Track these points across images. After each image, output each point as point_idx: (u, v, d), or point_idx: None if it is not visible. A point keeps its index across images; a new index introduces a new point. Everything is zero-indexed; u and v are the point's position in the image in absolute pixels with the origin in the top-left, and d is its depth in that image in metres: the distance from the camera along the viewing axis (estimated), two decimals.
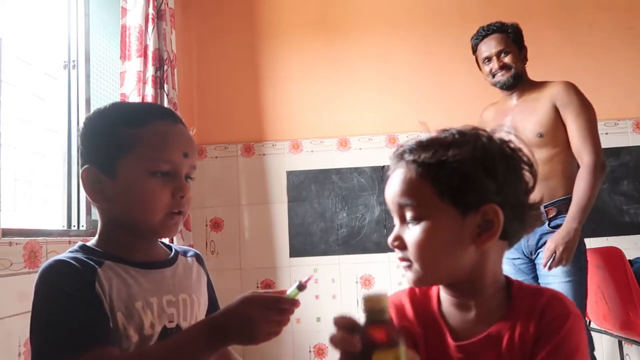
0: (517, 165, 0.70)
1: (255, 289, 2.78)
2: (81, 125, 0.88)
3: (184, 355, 0.73)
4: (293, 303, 0.75)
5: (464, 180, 0.66)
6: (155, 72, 2.20)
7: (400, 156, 0.71)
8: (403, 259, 0.71)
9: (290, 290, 0.77)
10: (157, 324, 0.81)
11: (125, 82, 2.13)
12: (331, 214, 2.80)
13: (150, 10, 2.21)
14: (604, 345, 2.58)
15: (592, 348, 1.85)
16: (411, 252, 0.68)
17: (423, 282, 0.71)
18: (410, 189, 0.68)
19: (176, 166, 0.83)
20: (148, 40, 2.19)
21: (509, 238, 0.71)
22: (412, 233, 0.68)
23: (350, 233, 2.79)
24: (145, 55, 2.17)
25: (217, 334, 0.73)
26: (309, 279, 0.78)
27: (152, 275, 0.84)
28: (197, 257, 0.98)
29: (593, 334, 2.34)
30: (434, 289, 0.78)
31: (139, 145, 0.81)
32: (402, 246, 0.70)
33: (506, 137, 0.72)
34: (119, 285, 0.79)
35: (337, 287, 2.76)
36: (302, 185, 2.84)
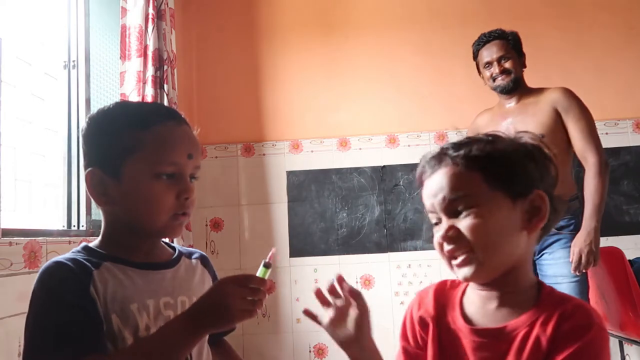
0: (547, 160, 0.75)
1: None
2: (84, 124, 0.87)
3: (167, 345, 0.74)
4: (262, 281, 0.77)
5: (514, 169, 0.70)
6: (155, 72, 2.20)
7: (440, 157, 0.73)
8: (458, 253, 0.70)
9: (258, 271, 0.80)
10: (153, 326, 0.80)
11: (125, 82, 2.13)
12: (331, 214, 2.80)
13: (150, 10, 2.21)
14: None
15: None
16: (471, 239, 0.69)
17: (482, 272, 0.70)
18: (461, 182, 0.70)
19: (181, 168, 0.83)
20: (148, 40, 2.19)
21: (545, 228, 0.74)
22: (468, 221, 0.69)
23: (350, 233, 2.78)
24: (145, 55, 2.17)
25: (195, 320, 0.74)
26: (272, 255, 0.81)
27: (151, 276, 0.84)
28: (202, 259, 0.97)
29: None
30: (463, 284, 0.79)
31: (144, 148, 0.81)
32: (456, 236, 0.70)
33: (528, 136, 0.76)
34: (115, 286, 0.79)
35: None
36: (302, 185, 2.84)
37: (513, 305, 0.72)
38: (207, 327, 0.75)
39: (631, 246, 2.59)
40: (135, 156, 0.81)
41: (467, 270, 0.70)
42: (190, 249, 0.99)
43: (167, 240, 0.99)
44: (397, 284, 2.72)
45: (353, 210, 2.80)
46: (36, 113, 1.89)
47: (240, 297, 0.74)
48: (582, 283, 1.86)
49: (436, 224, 0.73)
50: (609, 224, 2.64)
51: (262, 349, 2.73)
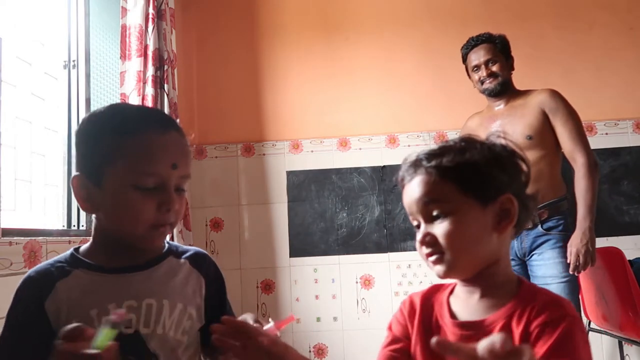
0: (517, 162, 0.80)
1: (255, 289, 2.78)
2: (78, 126, 0.87)
3: None
4: (92, 357, 0.63)
5: (483, 176, 0.76)
6: (155, 72, 2.20)
7: (416, 165, 0.79)
8: (431, 254, 0.77)
9: (101, 336, 0.64)
10: None
11: (125, 82, 2.13)
12: (331, 214, 2.80)
13: (150, 10, 2.21)
14: (604, 345, 2.58)
15: None
16: (443, 244, 0.75)
17: (452, 270, 0.76)
18: (436, 189, 0.76)
19: (163, 179, 0.80)
20: (148, 40, 2.19)
21: (518, 226, 0.79)
22: (442, 226, 0.76)
23: (350, 233, 2.79)
24: (145, 55, 2.17)
25: None
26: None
27: (121, 280, 0.82)
28: (193, 259, 0.92)
29: (593, 334, 2.35)
30: (452, 284, 0.84)
31: (125, 156, 0.78)
32: (432, 242, 0.76)
33: (499, 140, 0.81)
34: (78, 295, 0.79)
35: (337, 287, 2.76)
36: (302, 185, 2.84)
37: (493, 299, 0.77)
38: None
39: (631, 246, 2.60)
40: (117, 164, 0.79)
41: (439, 268, 0.77)
42: (188, 247, 0.96)
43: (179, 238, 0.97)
44: (397, 284, 2.72)
45: (353, 210, 2.80)
46: (36, 113, 1.89)
47: None
48: (572, 283, 1.87)
49: (417, 226, 0.79)
50: (609, 224, 2.65)
51: None
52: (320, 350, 2.70)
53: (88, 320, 0.77)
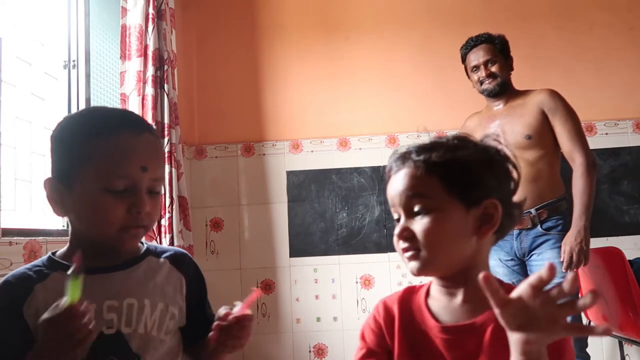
0: (508, 167, 0.78)
1: (255, 288, 2.77)
2: (53, 130, 0.88)
3: None
4: (69, 309, 0.69)
5: (471, 178, 0.74)
6: (155, 72, 2.20)
7: (404, 157, 0.77)
8: (408, 249, 0.75)
9: (70, 289, 0.71)
10: (94, 330, 0.77)
11: (125, 82, 2.13)
12: (331, 214, 2.81)
13: (150, 10, 2.21)
14: (604, 345, 2.58)
15: (585, 345, 1.88)
16: (420, 240, 0.74)
17: (427, 268, 0.75)
18: (420, 184, 0.74)
19: (133, 181, 0.80)
20: (148, 40, 2.19)
21: (500, 232, 0.77)
22: (422, 222, 0.74)
23: (350, 233, 2.79)
24: (145, 55, 2.17)
25: (38, 354, 0.72)
26: (252, 300, 0.81)
27: (100, 280, 0.82)
28: (173, 259, 0.92)
29: None
30: (426, 286, 0.83)
31: (94, 159, 0.79)
32: (410, 236, 0.75)
33: (494, 143, 0.79)
34: (55, 296, 0.76)
35: (337, 287, 2.76)
36: (302, 185, 2.84)
37: (476, 300, 0.75)
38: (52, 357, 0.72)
39: (631, 246, 2.60)
40: (86, 167, 0.79)
41: (413, 265, 0.75)
42: (168, 247, 0.96)
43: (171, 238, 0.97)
44: (397, 284, 2.72)
45: (353, 210, 2.80)
46: (36, 113, 1.88)
47: (61, 332, 0.70)
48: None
49: (397, 219, 0.78)
50: (609, 224, 2.65)
51: (262, 349, 2.73)
52: (320, 350, 2.70)
53: None
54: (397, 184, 0.77)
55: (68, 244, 0.87)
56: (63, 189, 0.81)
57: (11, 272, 0.83)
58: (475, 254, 0.76)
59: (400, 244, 0.76)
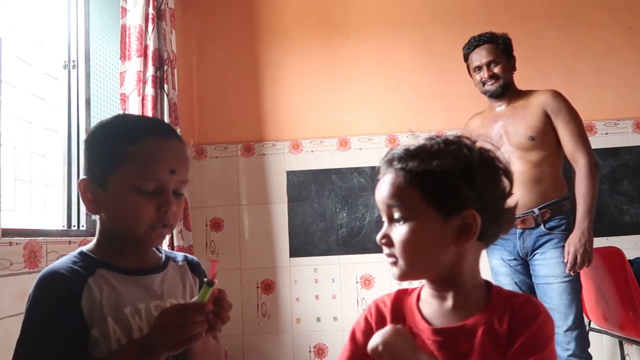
0: (496, 174, 0.77)
1: (255, 289, 2.78)
2: (86, 135, 0.93)
3: None
4: (199, 306, 0.80)
5: (447, 189, 0.73)
6: (155, 72, 2.20)
7: (389, 162, 0.78)
8: (390, 255, 0.77)
9: (200, 292, 0.82)
10: (145, 327, 0.85)
11: (125, 82, 2.13)
12: (331, 214, 2.80)
13: (150, 10, 2.21)
14: (604, 345, 2.58)
15: (587, 345, 1.89)
16: (397, 249, 0.75)
17: (406, 276, 0.77)
18: (399, 193, 0.75)
19: (162, 183, 0.86)
20: (148, 40, 2.19)
21: (486, 239, 0.77)
22: (399, 232, 0.75)
23: (350, 233, 2.79)
24: (145, 55, 2.17)
25: (145, 347, 0.79)
26: (213, 272, 0.83)
27: (141, 281, 0.89)
28: (191, 264, 1.01)
29: (593, 334, 2.34)
30: (418, 288, 0.85)
31: (128, 162, 0.85)
32: (389, 244, 0.77)
33: (486, 146, 0.78)
34: (109, 292, 0.84)
35: (337, 287, 2.76)
36: (302, 185, 2.84)
37: (466, 304, 0.77)
38: (158, 352, 0.79)
39: (631, 246, 2.60)
40: (120, 169, 0.85)
41: (394, 271, 0.78)
42: (175, 252, 1.02)
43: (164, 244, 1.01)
44: (397, 284, 2.70)
45: (353, 210, 2.80)
46: (36, 113, 1.88)
47: (180, 326, 0.77)
48: (575, 282, 1.88)
49: (384, 222, 0.79)
50: (609, 224, 2.65)
51: (262, 349, 2.73)
52: (320, 350, 2.70)
53: (123, 317, 0.83)
54: (380, 190, 0.78)
55: (95, 243, 0.91)
56: (97, 189, 0.87)
57: (53, 266, 0.84)
58: (457, 262, 0.76)
59: (384, 249, 0.78)
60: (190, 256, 1.03)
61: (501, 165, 0.77)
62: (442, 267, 0.76)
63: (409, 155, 0.76)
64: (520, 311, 0.75)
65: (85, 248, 0.90)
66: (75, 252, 0.88)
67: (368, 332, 0.83)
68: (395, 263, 0.77)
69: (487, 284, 0.81)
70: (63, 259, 0.86)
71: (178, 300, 0.92)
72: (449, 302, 0.78)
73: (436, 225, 0.73)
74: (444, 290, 0.79)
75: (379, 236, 0.78)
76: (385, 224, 0.78)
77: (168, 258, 0.97)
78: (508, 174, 0.77)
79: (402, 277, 0.77)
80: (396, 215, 0.75)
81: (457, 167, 0.73)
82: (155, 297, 0.89)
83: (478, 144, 0.78)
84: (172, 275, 0.95)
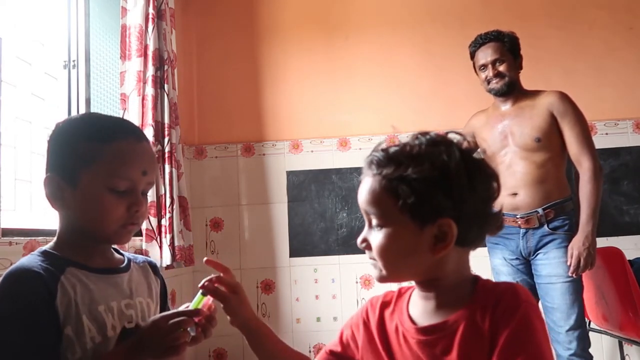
0: (476, 179, 0.73)
1: (255, 289, 2.78)
2: (50, 131, 0.93)
3: None
4: (193, 313, 0.83)
5: (421, 198, 0.71)
6: (155, 72, 2.20)
7: (369, 165, 0.77)
8: (371, 258, 0.78)
9: (195, 299, 0.86)
10: (118, 325, 0.87)
11: (125, 82, 2.13)
12: (331, 214, 2.80)
13: (150, 10, 2.21)
14: (604, 345, 2.58)
15: (588, 345, 1.89)
16: (375, 253, 0.76)
17: (385, 279, 0.78)
18: (375, 200, 0.75)
19: (134, 183, 0.88)
20: (148, 40, 2.19)
21: (469, 244, 0.76)
22: (376, 237, 0.76)
23: (350, 233, 2.78)
24: (145, 55, 2.17)
25: (135, 351, 0.81)
26: (209, 279, 0.88)
27: (111, 280, 0.90)
28: (151, 265, 1.03)
29: (593, 334, 2.35)
30: (411, 289, 0.86)
31: (101, 161, 0.85)
32: (369, 247, 0.77)
33: (467, 147, 0.76)
34: (83, 290, 0.84)
35: (337, 287, 2.76)
36: (302, 185, 2.84)
37: (450, 302, 0.77)
38: (147, 356, 0.81)
39: (631, 246, 2.59)
40: (92, 167, 0.85)
41: (375, 273, 0.78)
42: (134, 254, 1.03)
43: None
44: (397, 284, 2.71)
45: (353, 210, 2.80)
46: (36, 113, 1.88)
47: (170, 333, 0.80)
48: (577, 283, 1.89)
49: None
50: (609, 224, 2.65)
51: None
52: (320, 350, 2.70)
53: (97, 315, 0.84)
54: (360, 195, 0.78)
55: (55, 241, 0.90)
56: (65, 186, 0.86)
57: (22, 264, 0.82)
58: (438, 266, 0.75)
59: (366, 252, 0.79)
60: (148, 258, 1.06)
61: (487, 168, 0.75)
62: (421, 272, 0.77)
63: (387, 159, 0.74)
64: (499, 303, 0.72)
65: (47, 247, 0.88)
66: (37, 252, 0.86)
67: (355, 328, 0.87)
68: (374, 266, 0.78)
69: (476, 278, 0.79)
70: (29, 257, 0.84)
71: (145, 299, 0.95)
72: (433, 302, 0.79)
73: (411, 234, 0.73)
74: (428, 291, 0.79)
75: (358, 240, 0.78)
76: (366, 228, 0.78)
77: (129, 259, 0.99)
78: (494, 178, 0.75)
79: (381, 280, 0.78)
80: (374, 221, 0.76)
81: (432, 175, 0.71)
82: (125, 296, 0.91)
83: (465, 145, 0.75)
84: (137, 275, 0.97)
